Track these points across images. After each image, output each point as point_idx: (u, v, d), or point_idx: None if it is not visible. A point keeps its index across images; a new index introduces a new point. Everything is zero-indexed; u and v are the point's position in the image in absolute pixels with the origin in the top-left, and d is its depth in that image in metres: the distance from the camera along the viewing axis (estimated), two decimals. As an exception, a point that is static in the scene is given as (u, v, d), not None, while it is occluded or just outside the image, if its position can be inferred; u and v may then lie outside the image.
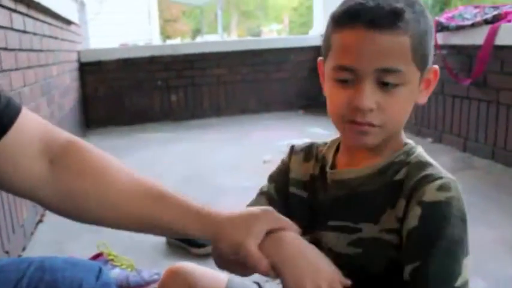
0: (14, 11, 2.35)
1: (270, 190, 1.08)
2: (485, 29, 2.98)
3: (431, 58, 0.90)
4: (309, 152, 1.07)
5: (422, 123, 3.90)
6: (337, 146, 1.01)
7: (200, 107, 5.40)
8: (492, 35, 2.91)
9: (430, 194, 0.83)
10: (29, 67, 2.58)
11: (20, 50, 2.42)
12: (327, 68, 0.91)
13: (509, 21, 2.91)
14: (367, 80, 0.84)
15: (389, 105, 0.85)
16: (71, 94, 4.27)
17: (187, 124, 5.14)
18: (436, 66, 0.92)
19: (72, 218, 0.94)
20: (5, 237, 1.92)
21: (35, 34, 2.81)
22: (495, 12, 3.01)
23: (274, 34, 27.05)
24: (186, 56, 5.32)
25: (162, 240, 2.20)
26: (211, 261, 2.10)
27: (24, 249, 2.19)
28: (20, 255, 2.11)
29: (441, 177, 0.85)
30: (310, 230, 0.98)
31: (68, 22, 4.31)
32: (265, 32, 29.22)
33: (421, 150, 0.94)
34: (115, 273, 1.81)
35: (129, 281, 1.81)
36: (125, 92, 5.23)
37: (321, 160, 1.03)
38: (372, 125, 0.86)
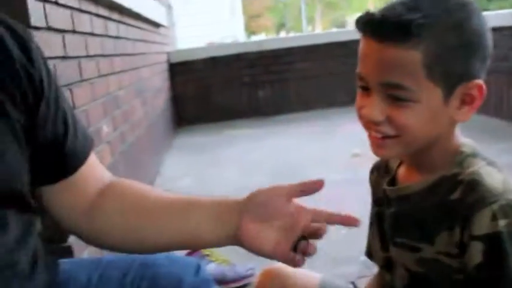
0: (109, 19, 2.47)
1: (372, 216, 1.07)
2: None
3: (475, 73, 0.82)
4: (382, 167, 1.04)
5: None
6: None
7: (287, 102, 5.42)
8: None
9: (486, 225, 0.77)
10: (123, 71, 2.70)
11: (115, 55, 2.54)
12: None
13: None
14: (375, 91, 0.82)
15: (399, 119, 0.81)
16: (162, 94, 4.43)
17: (275, 119, 5.18)
18: (480, 82, 0.82)
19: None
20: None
21: (127, 39, 2.94)
22: None
23: (359, 24, 26.56)
24: (271, 52, 5.36)
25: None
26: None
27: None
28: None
29: (495, 201, 0.78)
30: (388, 246, 0.98)
31: (157, 25, 4.47)
32: (350, 23, 28.80)
33: (476, 162, 0.85)
34: (211, 268, 1.86)
35: (225, 276, 1.86)
36: (212, 90, 5.35)
37: (390, 174, 0.99)
38: (386, 136, 0.83)
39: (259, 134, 4.52)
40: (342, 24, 26.83)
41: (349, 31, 6.77)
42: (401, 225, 0.94)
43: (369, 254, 1.11)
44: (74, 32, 1.83)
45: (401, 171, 0.97)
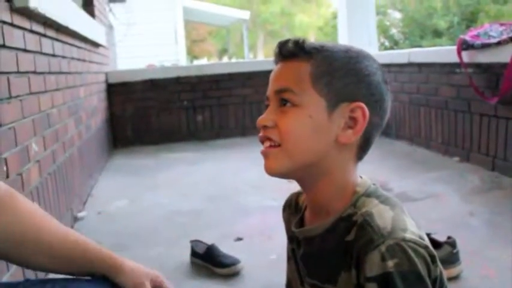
0: (44, 35, 2.41)
1: (288, 251, 1.10)
2: (512, 47, 2.94)
3: (359, 97, 0.90)
4: (292, 205, 1.09)
5: (449, 142, 3.86)
6: None
7: (226, 127, 5.44)
8: (518, 52, 2.87)
9: (376, 267, 0.80)
10: (57, 89, 2.64)
11: (49, 73, 2.48)
12: None
13: (535, 38, 2.87)
14: (272, 102, 0.95)
15: (283, 123, 0.91)
16: (99, 114, 4.35)
17: (213, 144, 5.18)
18: (363, 105, 0.90)
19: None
20: (32, 257, 1.95)
21: (63, 57, 2.88)
22: (521, 30, 2.98)
23: (300, 53, 27.07)
24: (212, 77, 5.38)
25: (186, 260, 2.21)
26: (234, 282, 2.10)
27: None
28: (46, 274, 2.14)
29: (383, 242, 0.81)
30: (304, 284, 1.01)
31: (96, 45, 4.40)
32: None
33: (368, 202, 0.90)
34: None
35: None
36: (151, 112, 5.30)
37: (299, 214, 1.04)
38: (268, 139, 0.92)
39: (196, 158, 4.50)
40: (283, 53, 27.27)
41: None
42: (310, 267, 0.97)
43: (289, 286, 1.12)
44: (3, 46, 1.78)
45: (307, 212, 1.01)
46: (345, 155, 0.92)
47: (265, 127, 0.93)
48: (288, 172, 0.93)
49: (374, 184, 0.94)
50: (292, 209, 1.07)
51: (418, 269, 0.80)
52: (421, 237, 0.84)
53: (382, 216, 0.85)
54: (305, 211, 1.01)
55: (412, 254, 0.80)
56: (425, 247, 0.82)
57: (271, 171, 0.93)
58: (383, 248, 0.80)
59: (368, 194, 0.91)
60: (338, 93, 0.90)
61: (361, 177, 0.96)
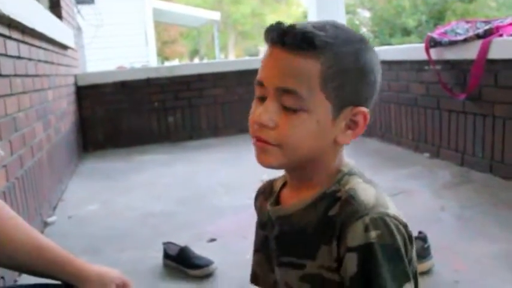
0: (9, 37, 2.36)
1: (257, 242, 1.09)
2: (478, 44, 2.99)
3: (362, 100, 0.88)
4: (266, 190, 1.08)
5: (419, 138, 3.91)
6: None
7: (198, 128, 5.42)
8: (484, 49, 2.92)
9: (359, 237, 0.81)
10: (23, 92, 2.59)
11: (15, 75, 2.43)
12: None
13: (500, 35, 2.93)
14: (271, 98, 0.85)
15: (285, 128, 0.85)
16: (68, 117, 4.28)
17: (185, 145, 5.15)
18: (366, 110, 0.88)
19: None
20: (1, 264, 1.91)
21: (30, 59, 2.83)
22: (486, 27, 3.03)
23: (271, 53, 27.07)
24: (182, 78, 5.35)
25: (159, 262, 2.19)
26: (208, 283, 2.09)
27: (20, 273, 2.17)
28: (15, 281, 2.09)
29: (367, 214, 0.82)
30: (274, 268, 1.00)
31: (65, 47, 4.34)
32: (263, 51, 29.27)
33: (352, 180, 0.90)
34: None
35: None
36: (122, 115, 5.24)
37: (274, 195, 1.03)
38: (266, 142, 0.86)
39: (169, 160, 4.46)
40: (255, 53, 27.27)
41: (258, 59, 6.90)
42: (286, 245, 0.96)
43: (254, 280, 1.11)
44: (-35, 49, 1.73)
45: (285, 192, 1.00)
46: (339, 148, 0.92)
47: (262, 124, 0.86)
48: (283, 167, 0.92)
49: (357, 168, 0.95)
50: (267, 194, 1.05)
51: (398, 245, 0.82)
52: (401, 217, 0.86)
53: (366, 192, 0.86)
54: (280, 193, 1.01)
55: (394, 230, 0.82)
56: (405, 226, 0.85)
57: (267, 165, 0.90)
58: (367, 219, 0.81)
59: (351, 174, 0.92)
60: (345, 98, 0.86)
61: None
